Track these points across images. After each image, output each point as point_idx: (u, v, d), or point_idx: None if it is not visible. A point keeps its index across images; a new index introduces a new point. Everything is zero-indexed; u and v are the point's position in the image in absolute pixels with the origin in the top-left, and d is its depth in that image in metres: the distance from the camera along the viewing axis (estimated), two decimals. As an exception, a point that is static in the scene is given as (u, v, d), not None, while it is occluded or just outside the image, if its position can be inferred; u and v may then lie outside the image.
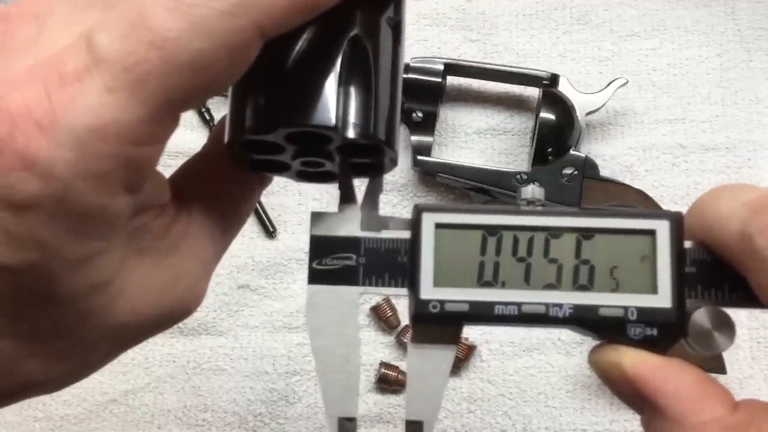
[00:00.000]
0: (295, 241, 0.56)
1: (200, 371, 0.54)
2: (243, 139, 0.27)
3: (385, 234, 0.28)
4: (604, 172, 0.55)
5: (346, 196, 0.28)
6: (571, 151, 0.54)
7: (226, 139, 0.27)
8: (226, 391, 0.54)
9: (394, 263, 0.28)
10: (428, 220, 0.27)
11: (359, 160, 0.28)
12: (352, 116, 0.26)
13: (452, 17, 0.60)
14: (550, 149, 0.54)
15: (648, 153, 0.58)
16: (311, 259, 0.28)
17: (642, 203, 0.53)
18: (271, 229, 0.56)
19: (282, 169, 0.30)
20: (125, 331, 0.25)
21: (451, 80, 0.58)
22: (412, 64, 0.55)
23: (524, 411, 0.54)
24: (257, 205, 0.56)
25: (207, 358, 0.55)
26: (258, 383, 0.54)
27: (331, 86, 0.26)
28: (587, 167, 0.54)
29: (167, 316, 0.27)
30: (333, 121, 0.26)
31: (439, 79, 0.55)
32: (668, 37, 0.60)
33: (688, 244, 0.27)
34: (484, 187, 0.54)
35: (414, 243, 0.27)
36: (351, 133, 0.26)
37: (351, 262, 0.28)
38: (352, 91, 0.26)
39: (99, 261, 0.23)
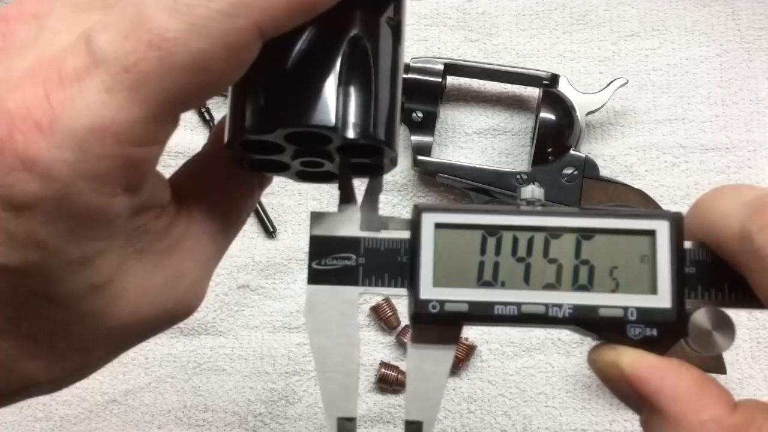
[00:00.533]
0: (295, 241, 0.56)
1: (200, 371, 0.54)
2: (243, 139, 0.27)
3: (385, 234, 0.28)
4: (604, 172, 0.55)
5: (346, 197, 0.28)
6: (571, 151, 0.54)
7: (225, 139, 0.27)
8: (226, 391, 0.54)
9: (393, 263, 0.27)
10: (428, 220, 0.27)
11: (359, 160, 0.29)
12: (352, 116, 0.26)
13: (452, 17, 0.60)
14: (550, 149, 0.54)
15: (648, 153, 0.58)
16: (311, 259, 0.27)
17: (642, 203, 0.53)
18: (271, 229, 0.56)
19: (282, 168, 0.30)
20: (125, 331, 0.25)
21: (451, 80, 0.58)
22: (412, 64, 0.55)
23: (524, 411, 0.54)
24: (257, 205, 0.56)
25: (207, 358, 0.55)
26: (258, 383, 0.54)
27: (331, 86, 0.26)
28: (587, 167, 0.54)
29: (168, 317, 0.27)
30: (333, 121, 0.26)
31: (439, 79, 0.55)
32: (668, 37, 0.60)
33: (688, 244, 0.27)
34: (484, 187, 0.54)
35: (414, 243, 0.27)
36: (351, 133, 0.26)
37: (350, 262, 0.28)
38: (352, 91, 0.26)
39: (98, 261, 0.23)
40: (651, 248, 0.27)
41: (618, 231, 0.27)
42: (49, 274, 0.22)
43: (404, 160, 0.57)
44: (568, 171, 0.54)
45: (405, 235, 0.28)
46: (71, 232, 0.22)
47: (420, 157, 0.55)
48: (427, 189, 0.58)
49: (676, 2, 0.60)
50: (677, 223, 0.27)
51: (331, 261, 0.27)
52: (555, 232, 0.27)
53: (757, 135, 0.58)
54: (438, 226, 0.27)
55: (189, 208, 0.27)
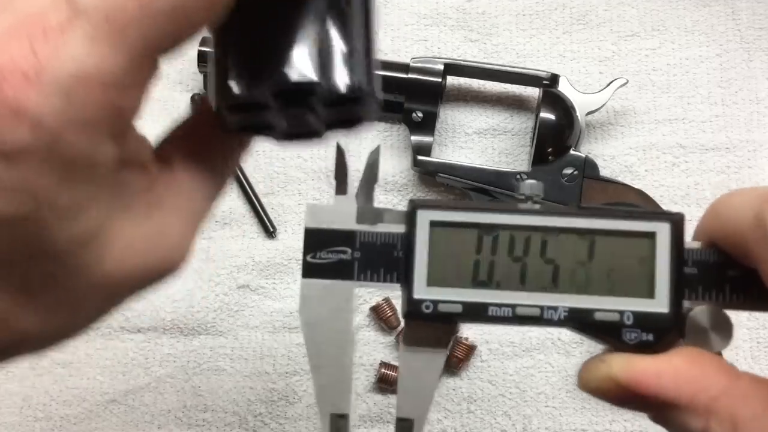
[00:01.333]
0: (295, 241, 0.56)
1: (200, 371, 0.54)
2: (230, 102, 0.26)
3: (381, 228, 0.27)
4: (604, 172, 0.55)
5: (342, 188, 0.28)
6: (571, 151, 0.54)
7: (213, 104, 0.27)
8: (226, 391, 0.54)
9: (390, 258, 0.27)
10: (423, 218, 0.27)
11: (343, 112, 0.28)
12: (335, 67, 0.26)
13: (452, 17, 0.60)
14: (550, 149, 0.54)
15: (648, 153, 0.58)
16: (305, 253, 0.27)
17: (642, 203, 0.53)
18: (271, 229, 0.56)
19: (268, 129, 0.29)
20: (113, 284, 0.26)
21: (451, 80, 0.58)
22: (412, 64, 0.55)
23: (524, 411, 0.54)
24: (257, 205, 0.56)
25: (207, 358, 0.55)
26: (258, 383, 0.54)
27: (311, 38, 0.26)
28: (587, 167, 0.54)
29: (153, 272, 0.27)
30: (315, 75, 0.25)
31: (439, 79, 0.55)
32: (668, 37, 0.60)
33: (694, 244, 0.27)
34: (484, 187, 0.54)
35: (408, 240, 0.27)
36: (335, 85, 0.26)
37: (346, 256, 0.27)
38: (333, 41, 0.26)
39: (88, 211, 0.24)
40: (650, 251, 0.27)
41: (617, 233, 0.27)
42: (40, 223, 0.23)
43: (404, 160, 0.57)
44: (568, 171, 0.54)
45: (401, 229, 0.27)
46: (61, 179, 0.22)
47: (420, 157, 0.55)
48: (427, 189, 0.58)
49: (676, 2, 0.60)
50: (678, 224, 0.27)
51: (326, 255, 0.27)
52: (553, 233, 0.27)
53: (757, 135, 0.58)
54: (433, 224, 0.27)
55: (171, 168, 0.28)
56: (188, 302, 0.55)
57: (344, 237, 0.27)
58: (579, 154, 0.54)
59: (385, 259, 0.27)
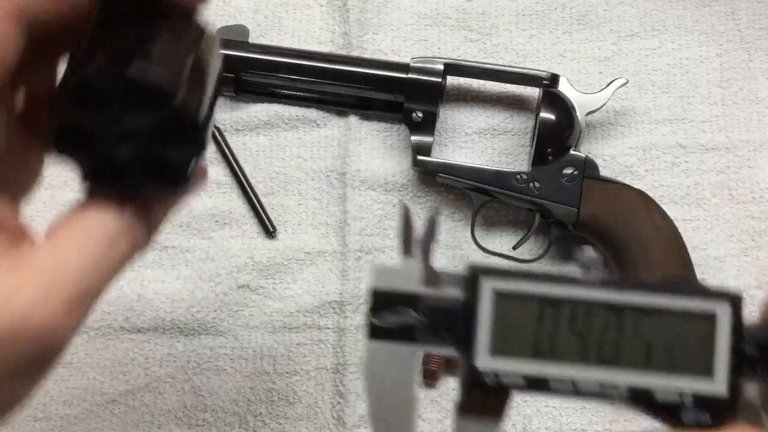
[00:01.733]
0: (295, 241, 0.56)
1: (200, 371, 0.54)
2: (53, 119, 0.27)
3: (446, 292, 0.27)
4: (604, 172, 0.55)
5: (407, 248, 0.28)
6: (571, 151, 0.54)
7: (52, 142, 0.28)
8: (226, 391, 0.54)
9: (454, 323, 0.27)
10: (486, 287, 0.27)
11: (160, 119, 0.27)
12: (126, 60, 0.26)
13: (452, 17, 0.60)
14: (550, 149, 0.54)
15: (648, 153, 0.58)
16: (371, 314, 0.27)
17: (642, 203, 0.53)
18: (271, 229, 0.56)
19: (120, 176, 0.29)
20: None
21: (451, 80, 0.58)
22: (412, 64, 0.55)
23: (524, 411, 0.54)
24: (257, 205, 0.56)
25: (207, 358, 0.55)
26: (258, 383, 0.54)
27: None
28: (587, 167, 0.54)
29: (14, 329, 0.27)
30: (115, 69, 0.26)
31: (439, 79, 0.55)
32: (668, 37, 0.60)
33: (754, 321, 0.27)
34: (484, 187, 0.54)
35: (470, 308, 0.27)
36: (127, 73, 0.26)
37: (411, 319, 0.27)
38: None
39: None
40: (710, 331, 0.27)
41: (678, 312, 0.27)
42: None
43: (404, 160, 0.57)
44: (568, 171, 0.53)
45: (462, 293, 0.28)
46: None
47: (420, 157, 0.55)
48: (427, 189, 0.58)
49: (676, 2, 0.60)
50: (737, 306, 0.27)
51: (391, 317, 0.27)
52: (615, 308, 0.27)
53: (757, 135, 0.58)
54: (497, 294, 0.27)
55: (47, 236, 0.28)
56: (188, 302, 0.55)
57: (410, 300, 0.27)
58: (579, 154, 0.54)
59: (450, 324, 0.27)
